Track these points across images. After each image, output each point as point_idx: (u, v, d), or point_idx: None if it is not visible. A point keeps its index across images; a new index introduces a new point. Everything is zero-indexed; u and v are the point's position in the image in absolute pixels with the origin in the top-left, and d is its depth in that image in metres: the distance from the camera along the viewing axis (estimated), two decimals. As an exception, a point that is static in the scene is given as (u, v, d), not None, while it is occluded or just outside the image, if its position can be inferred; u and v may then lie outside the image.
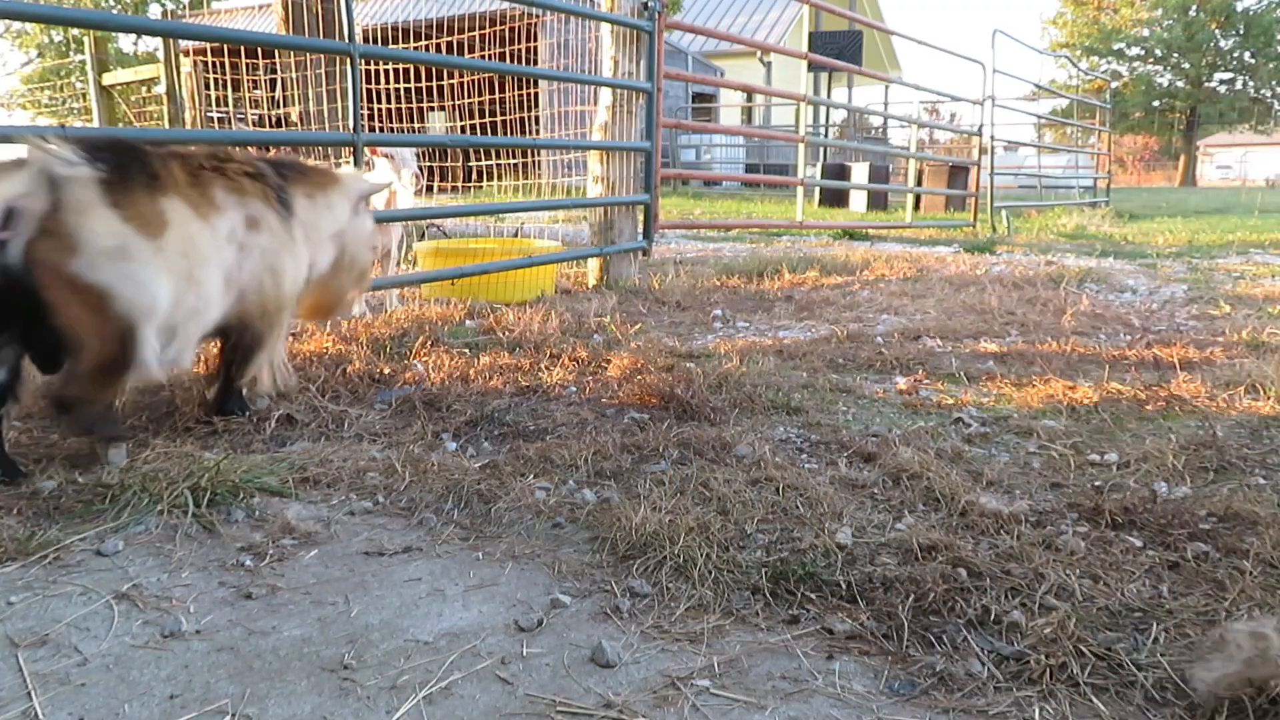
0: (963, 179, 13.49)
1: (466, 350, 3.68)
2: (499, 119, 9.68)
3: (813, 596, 1.71)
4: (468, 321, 4.29)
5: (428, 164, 8.02)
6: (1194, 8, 35.52)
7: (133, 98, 7.69)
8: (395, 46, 8.39)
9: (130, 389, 2.64)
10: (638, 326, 4.37)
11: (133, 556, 1.86)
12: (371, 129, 9.36)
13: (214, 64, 8.81)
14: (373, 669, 1.48)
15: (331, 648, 1.54)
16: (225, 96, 8.96)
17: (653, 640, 1.57)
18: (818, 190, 14.30)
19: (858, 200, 14.36)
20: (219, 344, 2.74)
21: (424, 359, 3.45)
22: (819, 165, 16.25)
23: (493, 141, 10.05)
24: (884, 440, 2.60)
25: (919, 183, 13.86)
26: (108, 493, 2.11)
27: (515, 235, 6.62)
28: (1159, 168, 47.64)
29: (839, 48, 16.61)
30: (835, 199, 14.61)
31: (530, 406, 2.95)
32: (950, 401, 3.08)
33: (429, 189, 8.19)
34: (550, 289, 5.25)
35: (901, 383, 3.32)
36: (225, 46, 9.32)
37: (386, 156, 4.54)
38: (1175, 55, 36.42)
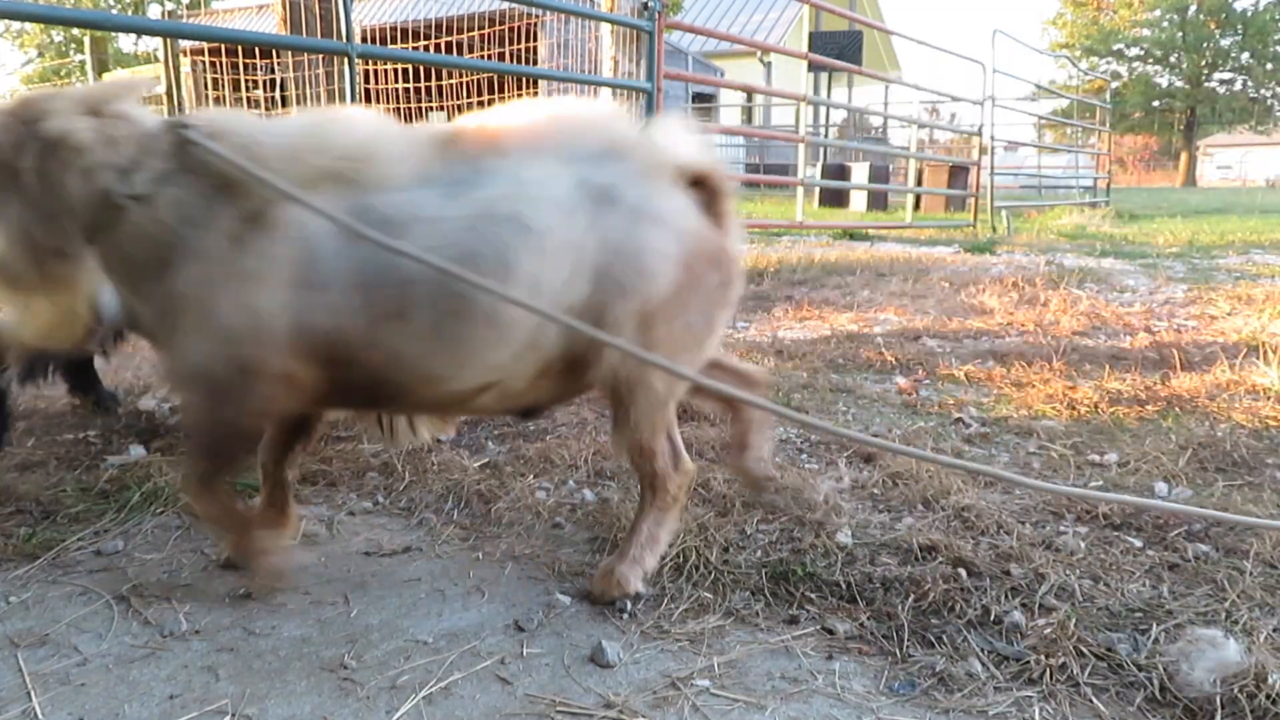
0: (963, 179, 13.48)
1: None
2: (499, 119, 9.67)
3: (813, 596, 1.71)
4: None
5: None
6: (1192, 8, 35.57)
7: (132, 98, 7.68)
8: (395, 46, 8.39)
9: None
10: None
11: (133, 556, 1.86)
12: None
13: (214, 64, 8.82)
14: (373, 669, 1.48)
15: (331, 648, 1.54)
16: (225, 96, 8.97)
17: (653, 640, 1.57)
18: (818, 190, 14.31)
19: (858, 200, 14.36)
20: None
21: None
22: (819, 165, 16.25)
23: (493, 141, 9.99)
24: (884, 440, 2.60)
25: (919, 183, 13.86)
26: (108, 493, 2.11)
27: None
28: (1159, 168, 47.67)
29: (839, 48, 16.61)
30: (835, 199, 14.61)
31: (530, 406, 2.95)
32: (950, 401, 3.07)
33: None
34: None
35: (901, 383, 3.32)
36: (225, 46, 9.32)
37: None
38: (1174, 55, 36.48)
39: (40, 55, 28.90)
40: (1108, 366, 3.50)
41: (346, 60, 3.92)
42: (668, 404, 1.63)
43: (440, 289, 1.47)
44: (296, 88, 7.47)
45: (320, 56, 7.07)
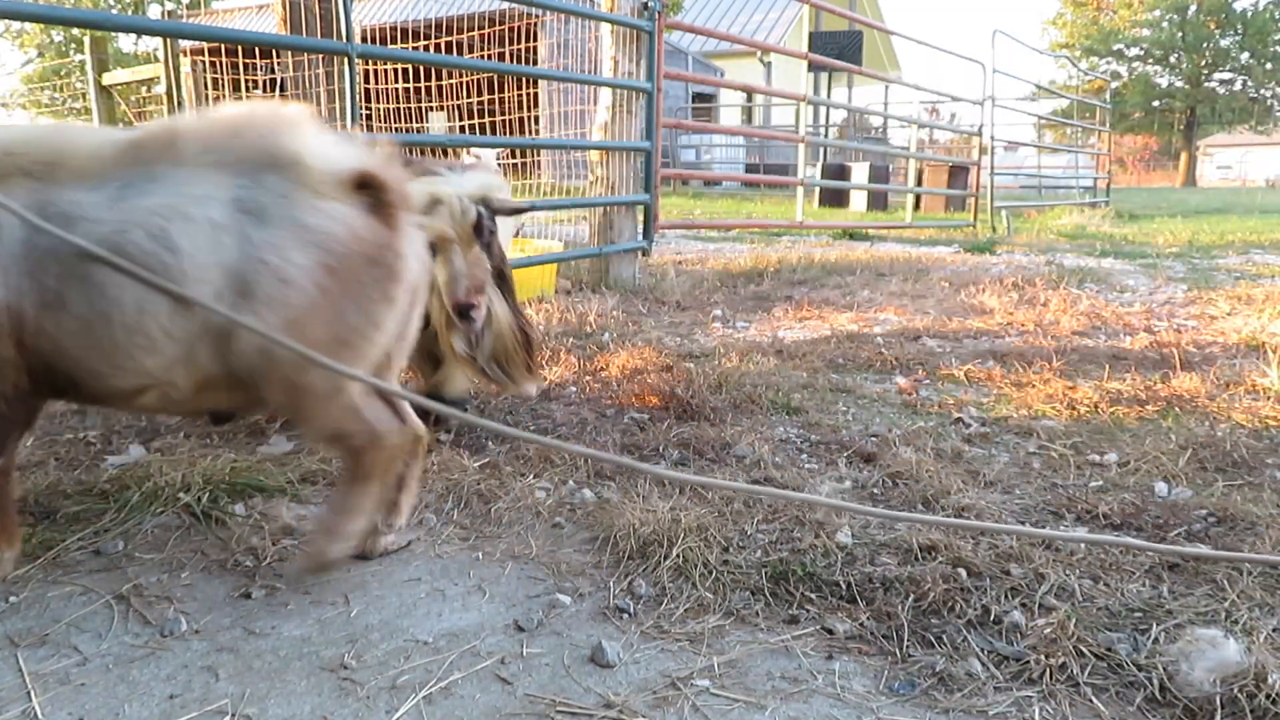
0: (963, 179, 13.48)
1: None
2: (499, 119, 9.68)
3: (813, 596, 1.71)
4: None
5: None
6: (1192, 8, 35.59)
7: (133, 98, 7.69)
8: (395, 46, 8.39)
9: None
10: (637, 326, 4.37)
11: (133, 556, 1.86)
12: (372, 129, 9.38)
13: (214, 64, 8.81)
14: (373, 669, 1.48)
15: (331, 648, 1.54)
16: (225, 96, 8.97)
17: (653, 640, 1.57)
18: (818, 190, 14.30)
19: (858, 200, 14.36)
20: None
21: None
22: (819, 165, 16.25)
23: (493, 141, 10.04)
24: (884, 440, 2.60)
25: (919, 183, 13.86)
26: (108, 493, 2.11)
27: (515, 235, 6.62)
28: (1159, 168, 47.67)
29: (839, 48, 16.61)
30: (835, 199, 14.61)
31: (530, 406, 2.95)
32: (950, 401, 3.08)
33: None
34: (550, 289, 5.25)
35: (901, 383, 3.32)
36: (225, 46, 9.32)
37: (475, 158, 4.59)
38: (1174, 55, 36.51)
39: (40, 55, 28.90)
40: (1108, 366, 3.50)
41: (346, 60, 3.92)
42: (335, 396, 1.65)
43: (89, 290, 1.52)
44: (296, 88, 7.47)
45: (320, 56, 7.07)
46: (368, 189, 1.64)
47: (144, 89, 7.32)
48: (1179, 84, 37.65)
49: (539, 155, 10.74)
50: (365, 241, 1.62)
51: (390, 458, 1.75)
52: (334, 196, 1.61)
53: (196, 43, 8.98)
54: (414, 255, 1.72)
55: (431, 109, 10.07)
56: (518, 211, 2.21)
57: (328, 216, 1.59)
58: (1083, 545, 1.90)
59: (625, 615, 1.65)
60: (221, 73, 8.67)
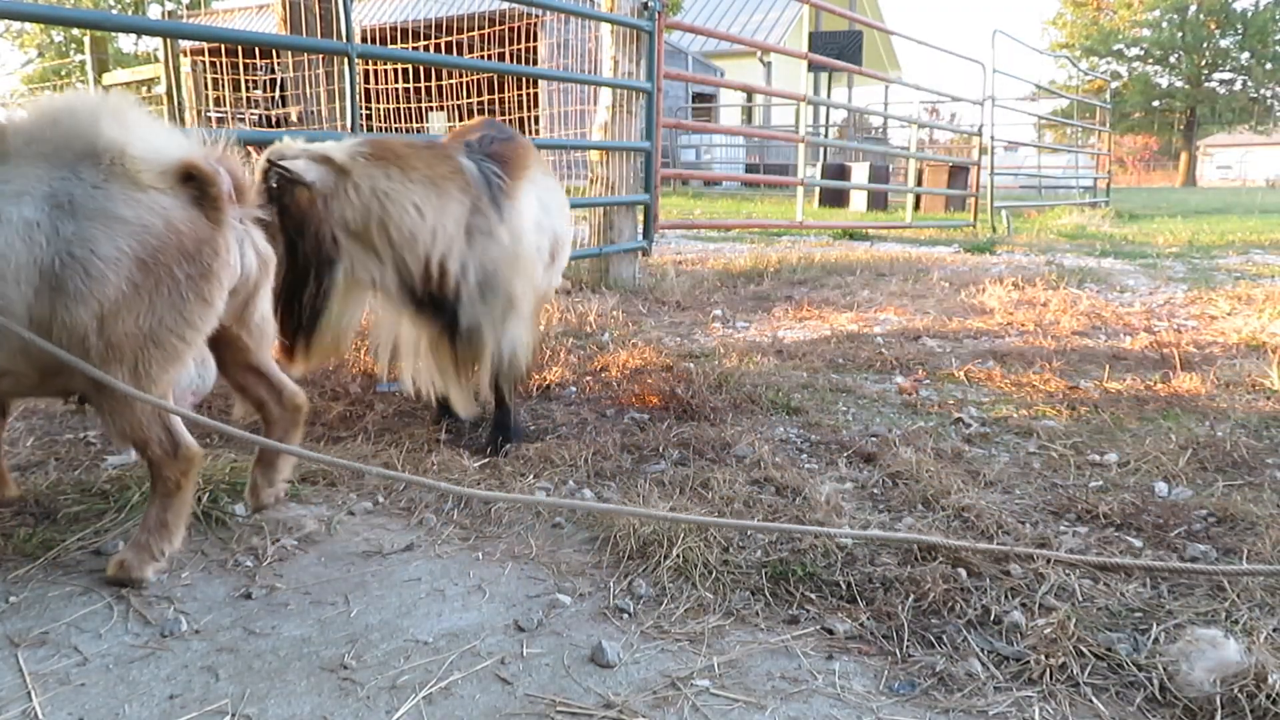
0: (963, 179, 13.48)
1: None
2: (499, 119, 9.69)
3: (813, 596, 1.71)
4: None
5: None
6: (1192, 7, 35.62)
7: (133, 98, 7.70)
8: (395, 46, 8.39)
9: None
10: (637, 326, 4.37)
11: (133, 556, 1.85)
12: (372, 129, 9.38)
13: (214, 64, 8.82)
14: (373, 669, 1.48)
15: (331, 648, 1.54)
16: (225, 96, 8.97)
17: (653, 640, 1.57)
18: (818, 190, 14.30)
19: (858, 200, 14.36)
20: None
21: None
22: (819, 165, 16.24)
23: (493, 141, 9.99)
24: (884, 440, 2.60)
25: (919, 183, 13.85)
26: (108, 493, 2.11)
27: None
28: (1159, 168, 47.70)
29: (839, 48, 16.58)
30: (835, 199, 14.60)
31: (530, 406, 2.95)
32: (950, 401, 3.07)
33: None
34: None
35: (902, 383, 3.32)
36: (225, 46, 9.32)
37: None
38: (1174, 55, 36.55)
39: (40, 55, 28.92)
40: (1108, 366, 3.50)
41: (346, 60, 3.92)
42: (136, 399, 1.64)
43: None
44: (296, 88, 7.47)
45: (320, 56, 7.07)
46: (194, 181, 1.60)
47: (144, 89, 7.32)
48: (1179, 84, 37.69)
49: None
50: (183, 235, 1.59)
51: (193, 470, 1.74)
52: (155, 187, 1.57)
53: (196, 43, 8.98)
54: (236, 253, 1.69)
55: (431, 109, 10.07)
56: (293, 176, 2.15)
57: (144, 208, 1.56)
58: (1082, 544, 1.90)
59: (625, 615, 1.65)
60: (221, 73, 8.68)
